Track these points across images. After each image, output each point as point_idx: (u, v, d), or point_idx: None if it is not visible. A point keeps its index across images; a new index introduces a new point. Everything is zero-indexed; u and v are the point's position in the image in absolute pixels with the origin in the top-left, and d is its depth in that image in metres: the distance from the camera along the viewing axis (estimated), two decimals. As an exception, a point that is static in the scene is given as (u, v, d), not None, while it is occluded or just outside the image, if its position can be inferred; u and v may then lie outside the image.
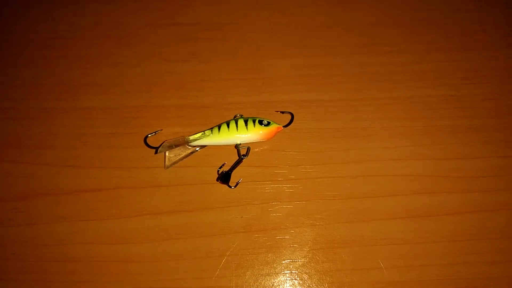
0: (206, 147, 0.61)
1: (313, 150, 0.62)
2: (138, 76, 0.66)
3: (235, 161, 0.60)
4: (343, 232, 0.58)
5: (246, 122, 0.60)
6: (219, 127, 0.60)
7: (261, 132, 0.59)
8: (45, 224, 0.59)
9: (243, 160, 0.60)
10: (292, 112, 0.62)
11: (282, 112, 0.63)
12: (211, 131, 0.60)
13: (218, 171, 0.60)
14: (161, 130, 0.63)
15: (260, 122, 0.60)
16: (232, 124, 0.60)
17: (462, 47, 0.67)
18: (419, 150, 0.61)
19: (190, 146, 0.60)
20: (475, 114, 0.63)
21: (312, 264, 0.57)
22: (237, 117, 0.61)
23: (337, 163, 0.61)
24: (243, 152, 0.61)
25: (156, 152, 0.59)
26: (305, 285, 0.57)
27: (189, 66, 0.67)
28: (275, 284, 0.57)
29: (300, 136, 0.63)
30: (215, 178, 0.60)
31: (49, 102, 0.65)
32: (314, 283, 0.57)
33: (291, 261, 0.58)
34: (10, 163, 0.62)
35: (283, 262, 0.58)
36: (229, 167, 0.60)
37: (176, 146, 0.59)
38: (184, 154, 0.60)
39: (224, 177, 0.59)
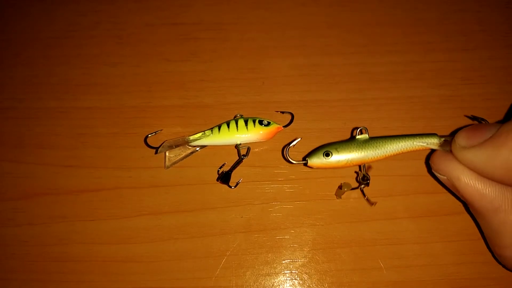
0: (206, 147, 0.61)
1: (313, 150, 0.62)
2: (138, 76, 0.66)
3: (235, 161, 0.60)
4: (343, 232, 0.58)
5: (246, 122, 0.60)
6: (219, 127, 0.60)
7: (261, 132, 0.59)
8: (45, 224, 0.59)
9: (243, 160, 0.60)
10: (292, 112, 0.62)
11: (282, 112, 0.63)
12: (211, 131, 0.60)
13: (218, 171, 0.60)
14: (161, 130, 0.63)
15: (260, 122, 0.60)
16: (232, 124, 0.60)
17: (461, 47, 0.67)
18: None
19: (190, 146, 0.60)
20: (475, 114, 0.63)
21: (312, 264, 0.57)
22: (237, 117, 0.61)
23: (337, 163, 0.60)
24: (243, 152, 0.60)
25: (156, 152, 0.59)
26: (305, 285, 0.57)
27: (189, 66, 0.67)
28: (275, 284, 0.57)
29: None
30: (215, 178, 0.60)
31: (49, 102, 0.65)
32: (314, 283, 0.57)
33: (291, 261, 0.58)
34: (10, 163, 0.62)
35: (283, 262, 0.58)
36: (229, 167, 0.60)
37: (176, 146, 0.59)
38: (184, 154, 0.60)
39: (224, 177, 0.59)
